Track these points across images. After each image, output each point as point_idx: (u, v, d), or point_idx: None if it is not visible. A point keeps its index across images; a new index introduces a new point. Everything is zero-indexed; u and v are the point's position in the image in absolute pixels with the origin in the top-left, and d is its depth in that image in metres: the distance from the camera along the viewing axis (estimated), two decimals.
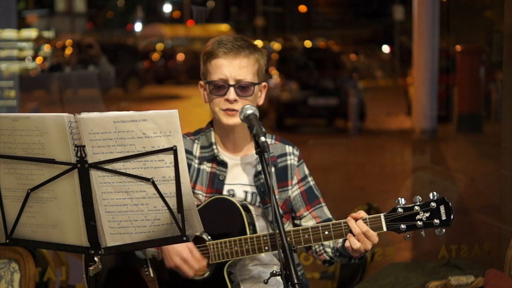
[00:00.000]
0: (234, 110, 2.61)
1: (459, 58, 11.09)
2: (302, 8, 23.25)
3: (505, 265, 3.40)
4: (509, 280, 3.31)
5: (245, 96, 2.62)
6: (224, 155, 2.72)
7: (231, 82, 2.62)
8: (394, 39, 19.67)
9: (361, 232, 2.46)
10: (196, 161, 2.72)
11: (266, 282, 2.38)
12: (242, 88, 2.62)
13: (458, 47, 11.01)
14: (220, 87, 2.63)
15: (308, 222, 2.73)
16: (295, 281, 2.20)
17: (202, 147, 2.73)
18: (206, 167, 2.71)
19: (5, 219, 2.19)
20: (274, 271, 2.28)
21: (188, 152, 2.71)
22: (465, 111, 10.87)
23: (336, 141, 11.79)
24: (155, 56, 21.11)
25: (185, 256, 2.53)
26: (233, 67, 2.62)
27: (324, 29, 22.25)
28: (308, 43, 19.34)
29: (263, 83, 2.72)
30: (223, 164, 2.70)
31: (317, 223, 2.70)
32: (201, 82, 2.73)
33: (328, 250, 2.69)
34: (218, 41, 2.66)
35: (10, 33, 5.58)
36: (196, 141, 2.75)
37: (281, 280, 2.29)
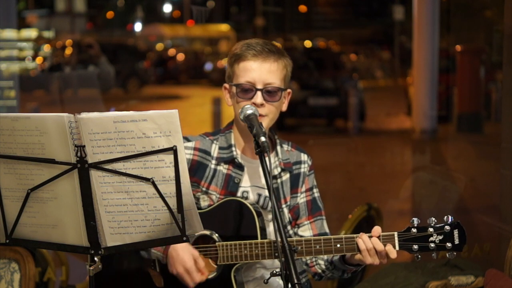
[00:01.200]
0: (260, 115, 2.56)
1: (459, 58, 11.10)
2: (302, 8, 23.28)
3: (505, 265, 3.40)
4: (509, 280, 3.31)
5: (272, 101, 2.59)
6: (242, 158, 2.70)
7: (259, 86, 2.58)
8: (394, 39, 19.70)
9: (365, 249, 2.45)
10: (214, 161, 2.69)
11: (266, 282, 2.38)
12: (269, 92, 2.59)
13: (458, 47, 11.02)
14: (247, 90, 2.59)
15: (305, 232, 2.73)
16: (295, 281, 2.20)
17: (220, 148, 2.70)
18: (223, 168, 2.68)
19: (5, 219, 2.19)
20: (274, 271, 2.28)
21: (207, 152, 2.69)
22: (465, 111, 10.88)
23: (336, 141, 11.80)
24: (154, 56, 21.12)
25: (189, 267, 2.50)
26: (262, 71, 2.58)
27: (324, 29, 22.27)
28: (308, 43, 19.37)
29: (288, 90, 2.70)
30: (240, 167, 2.68)
31: (313, 235, 2.70)
32: (226, 85, 2.68)
33: (321, 262, 2.68)
34: (247, 43, 2.62)
35: (10, 33, 5.58)
36: (215, 141, 2.72)
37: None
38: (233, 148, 2.69)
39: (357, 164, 9.80)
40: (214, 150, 2.70)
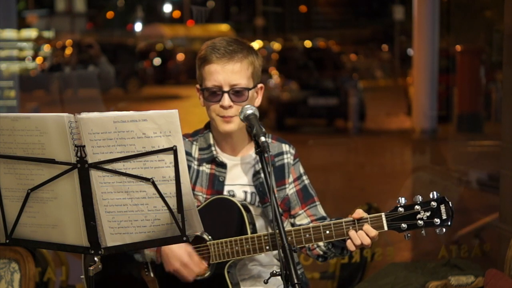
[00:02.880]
0: (230, 116, 2.62)
1: (459, 58, 11.09)
2: (302, 8, 23.27)
3: (505, 265, 3.40)
4: (509, 280, 3.31)
5: (239, 102, 2.62)
6: (223, 156, 2.72)
7: (225, 88, 2.62)
8: (394, 39, 19.69)
9: (353, 245, 2.49)
10: (196, 162, 2.72)
11: (266, 282, 2.38)
12: (237, 92, 2.62)
13: (458, 47, 11.01)
14: (214, 94, 2.63)
15: (303, 220, 2.74)
16: (295, 281, 2.20)
17: (200, 149, 2.73)
18: (206, 168, 2.71)
19: (5, 219, 2.19)
20: (274, 271, 2.29)
21: (188, 153, 2.72)
22: (465, 111, 10.87)
23: (336, 141, 11.80)
24: (154, 56, 21.08)
25: (185, 261, 2.53)
26: (226, 73, 2.62)
27: (324, 29, 22.25)
28: (308, 43, 19.33)
29: (260, 85, 2.72)
30: (223, 165, 2.71)
31: (311, 221, 2.72)
32: (198, 86, 2.74)
33: (321, 244, 2.69)
34: (211, 46, 2.66)
35: (10, 33, 5.58)
36: (195, 142, 2.75)
37: (281, 280, 2.29)
38: (213, 148, 2.72)
39: (357, 164, 9.81)
40: (195, 151, 2.74)
